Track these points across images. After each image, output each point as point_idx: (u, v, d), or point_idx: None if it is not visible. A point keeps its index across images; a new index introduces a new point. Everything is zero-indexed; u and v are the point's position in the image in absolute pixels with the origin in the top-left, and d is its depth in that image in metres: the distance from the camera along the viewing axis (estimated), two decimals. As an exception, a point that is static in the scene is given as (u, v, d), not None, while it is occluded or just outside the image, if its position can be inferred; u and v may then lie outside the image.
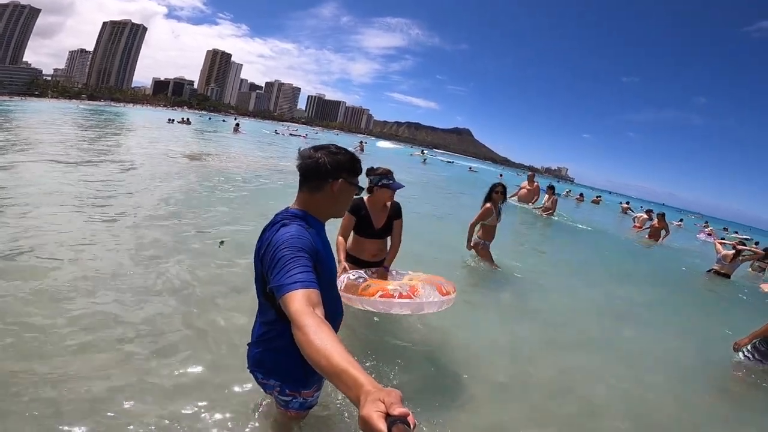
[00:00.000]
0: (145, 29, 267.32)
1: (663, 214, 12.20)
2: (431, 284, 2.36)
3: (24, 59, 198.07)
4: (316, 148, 1.35)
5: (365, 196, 2.79)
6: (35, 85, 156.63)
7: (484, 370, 2.82)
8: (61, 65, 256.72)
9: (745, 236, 22.01)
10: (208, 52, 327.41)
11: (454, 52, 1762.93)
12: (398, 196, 2.95)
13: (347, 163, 1.34)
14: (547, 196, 11.67)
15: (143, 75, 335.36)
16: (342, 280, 2.47)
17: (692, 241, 17.66)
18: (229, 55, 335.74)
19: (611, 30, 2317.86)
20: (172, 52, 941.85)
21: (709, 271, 7.75)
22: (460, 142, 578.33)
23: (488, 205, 4.69)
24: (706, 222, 32.01)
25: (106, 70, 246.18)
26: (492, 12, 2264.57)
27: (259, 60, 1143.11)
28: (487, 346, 3.19)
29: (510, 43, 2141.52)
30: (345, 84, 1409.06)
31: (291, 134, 44.88)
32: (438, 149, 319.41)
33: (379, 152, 38.01)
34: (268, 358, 1.39)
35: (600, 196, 35.92)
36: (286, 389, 1.43)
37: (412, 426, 0.65)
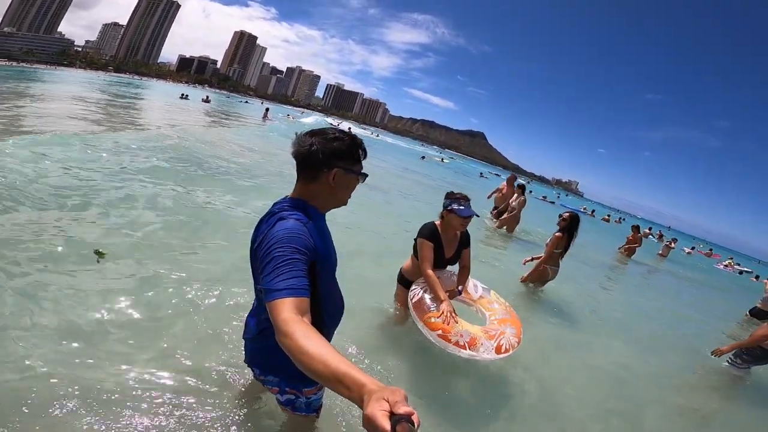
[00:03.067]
0: (178, 6, 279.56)
1: (638, 227, 11.59)
2: (494, 341, 2.33)
3: (59, 29, 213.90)
4: (311, 134, 1.24)
5: (437, 220, 2.66)
6: (65, 55, 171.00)
7: (494, 373, 2.80)
8: (93, 37, 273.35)
9: (746, 268, 22.60)
10: (236, 33, 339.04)
11: (477, 53, 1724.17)
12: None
13: (344, 151, 1.22)
14: (515, 195, 8.57)
15: (170, 51, 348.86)
16: (416, 295, 2.51)
17: (713, 271, 18.26)
18: (255, 38, 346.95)
19: (638, 46, 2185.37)
20: (200, 30, 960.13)
21: (752, 309, 7.44)
22: (472, 144, 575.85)
23: (559, 234, 4.55)
24: (711, 249, 31.38)
25: (136, 45, 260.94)
26: (519, 17, 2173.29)
27: (283, 44, 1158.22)
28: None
29: (534, 49, 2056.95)
30: (365, 76, 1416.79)
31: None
32: (449, 149, 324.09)
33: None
34: (267, 354, 1.33)
35: (613, 217, 35.08)
36: (286, 387, 1.39)
37: (416, 425, 0.65)
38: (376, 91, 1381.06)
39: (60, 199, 3.81)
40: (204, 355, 2.14)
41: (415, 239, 2.67)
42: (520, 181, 9.84)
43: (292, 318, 0.93)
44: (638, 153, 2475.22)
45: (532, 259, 4.78)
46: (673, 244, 16.49)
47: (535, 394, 2.74)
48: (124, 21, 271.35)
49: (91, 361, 1.92)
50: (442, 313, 2.35)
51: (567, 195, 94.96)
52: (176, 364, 2.03)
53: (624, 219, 38.02)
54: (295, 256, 1.06)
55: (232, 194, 5.58)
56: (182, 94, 29.88)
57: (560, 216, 4.68)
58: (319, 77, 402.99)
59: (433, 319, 2.36)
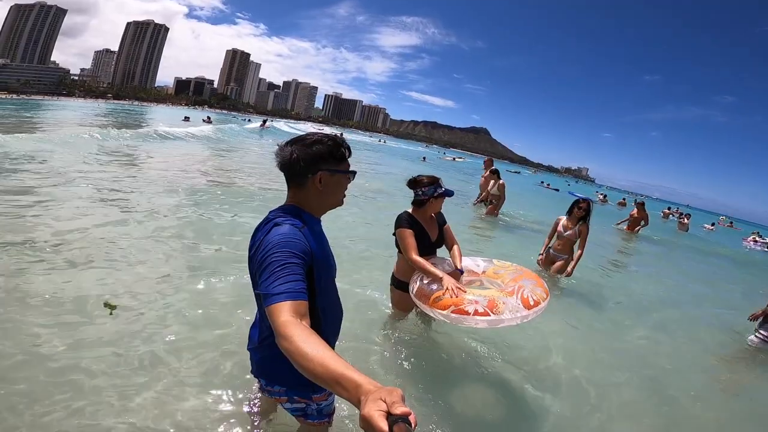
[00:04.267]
0: (167, 29, 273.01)
1: (643, 203, 11.36)
2: (516, 295, 2.06)
3: (52, 59, 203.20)
4: (291, 142, 1.25)
5: (410, 209, 2.53)
6: (63, 84, 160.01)
7: (500, 368, 2.77)
8: (87, 65, 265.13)
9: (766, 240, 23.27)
10: (228, 51, 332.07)
11: (470, 50, 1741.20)
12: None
13: (325, 153, 1.22)
14: (492, 182, 8.69)
15: (166, 74, 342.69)
16: (414, 285, 2.34)
17: (739, 246, 18.06)
18: (248, 55, 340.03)
19: (632, 28, 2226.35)
20: (192, 51, 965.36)
21: None
22: (477, 141, 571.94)
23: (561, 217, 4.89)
24: (731, 222, 33.46)
25: (131, 70, 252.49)
26: (508, 9, 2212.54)
27: (277, 59, 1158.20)
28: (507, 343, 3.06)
29: (527, 40, 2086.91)
30: (361, 83, 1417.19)
31: None
32: (454, 148, 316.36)
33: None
34: (271, 363, 1.32)
35: (629, 200, 34.34)
36: (294, 396, 1.36)
37: (413, 425, 0.65)
38: (374, 97, 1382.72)
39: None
40: (214, 372, 2.14)
41: (394, 234, 2.49)
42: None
43: (290, 321, 0.93)
44: (645, 134, 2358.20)
45: (547, 255, 4.94)
46: (686, 219, 17.20)
47: (541, 385, 2.64)
48: (114, 47, 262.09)
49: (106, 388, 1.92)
50: (447, 288, 2.12)
51: (577, 182, 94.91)
52: (186, 382, 2.04)
53: (636, 200, 34.22)
54: (291, 260, 1.07)
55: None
56: (185, 117, 31.18)
57: (578, 206, 4.70)
58: (316, 88, 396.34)
59: (440, 299, 2.11)
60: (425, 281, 2.28)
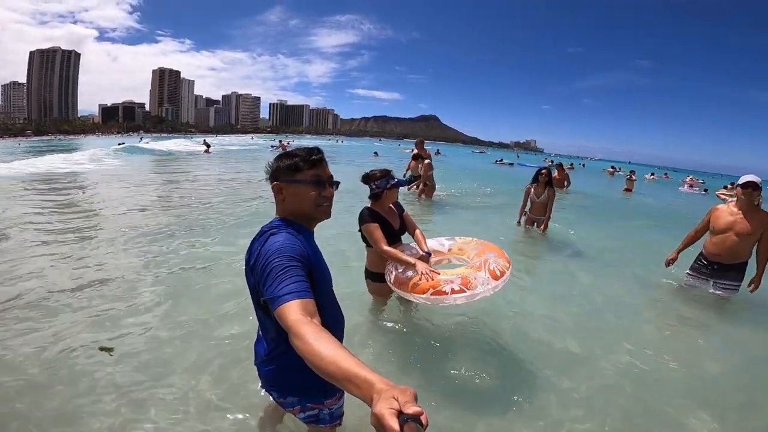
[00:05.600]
0: (78, 55, 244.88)
1: (561, 164, 13.55)
2: (484, 269, 2.22)
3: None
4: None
5: (369, 203, 2.65)
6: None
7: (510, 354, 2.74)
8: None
9: (701, 180, 25.25)
10: (154, 71, 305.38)
11: (407, 41, 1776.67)
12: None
13: (281, 166, 1.30)
14: (414, 163, 8.94)
15: (88, 102, 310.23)
16: (390, 275, 2.46)
17: (678, 195, 18.32)
18: (178, 72, 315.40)
19: (550, 4, 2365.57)
20: (113, 75, 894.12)
21: None
22: (428, 128, 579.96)
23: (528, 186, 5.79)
24: (666, 173, 36.93)
25: (47, 102, 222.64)
26: None
27: (211, 73, 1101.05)
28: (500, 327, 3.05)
29: (459, 26, 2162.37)
30: (305, 87, 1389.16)
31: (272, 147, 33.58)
32: (408, 138, 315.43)
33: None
34: (281, 375, 1.33)
35: (576, 163, 37.98)
36: (308, 403, 1.37)
37: (424, 425, 0.64)
38: (321, 99, 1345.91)
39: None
40: (218, 390, 2.15)
41: (360, 230, 2.60)
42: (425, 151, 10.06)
43: (301, 319, 0.94)
44: (578, 102, 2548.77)
45: (526, 216, 5.97)
46: (633, 176, 16.53)
47: (558, 376, 2.51)
48: (22, 79, 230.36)
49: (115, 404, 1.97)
50: (421, 273, 2.26)
51: (526, 153, 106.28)
52: (199, 401, 2.06)
53: (584, 164, 42.21)
54: (292, 264, 1.10)
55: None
56: (119, 143, 31.42)
57: (541, 174, 5.55)
58: (259, 98, 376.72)
59: (417, 284, 2.24)
60: (400, 269, 2.40)
